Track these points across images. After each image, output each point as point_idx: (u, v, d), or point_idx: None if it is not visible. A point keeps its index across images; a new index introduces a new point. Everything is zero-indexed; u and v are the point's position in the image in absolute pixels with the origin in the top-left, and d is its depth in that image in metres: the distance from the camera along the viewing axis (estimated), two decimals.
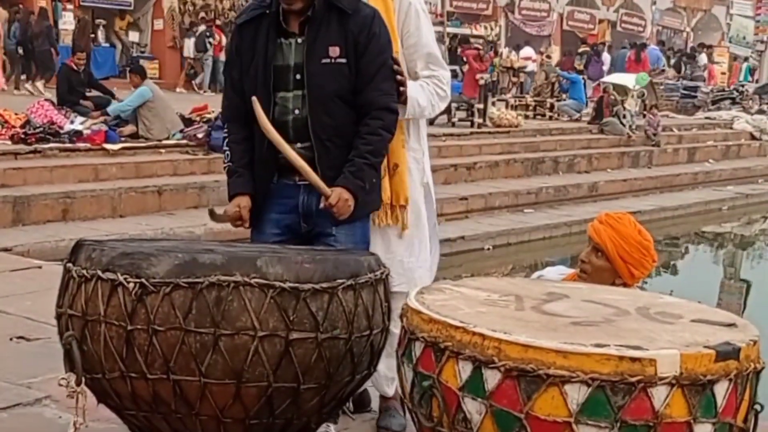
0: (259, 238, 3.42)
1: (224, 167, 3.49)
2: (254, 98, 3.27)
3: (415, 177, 3.69)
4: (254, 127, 3.36)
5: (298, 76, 3.29)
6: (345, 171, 3.26)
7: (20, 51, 18.86)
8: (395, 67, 3.42)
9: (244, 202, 3.37)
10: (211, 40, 22.77)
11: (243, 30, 3.42)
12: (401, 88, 3.46)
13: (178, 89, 21.89)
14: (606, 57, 27.43)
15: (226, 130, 3.52)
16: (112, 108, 12.93)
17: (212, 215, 3.53)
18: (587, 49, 28.05)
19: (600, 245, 3.50)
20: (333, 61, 3.27)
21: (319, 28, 3.28)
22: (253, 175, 3.39)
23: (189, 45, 22.95)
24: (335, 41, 3.27)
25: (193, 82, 22.80)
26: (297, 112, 3.30)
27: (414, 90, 3.55)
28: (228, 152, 3.46)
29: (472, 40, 25.05)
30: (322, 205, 3.26)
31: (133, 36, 24.30)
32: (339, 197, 3.22)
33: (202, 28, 23.01)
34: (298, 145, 3.31)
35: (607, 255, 3.49)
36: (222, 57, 22.76)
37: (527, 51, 27.09)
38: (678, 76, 28.07)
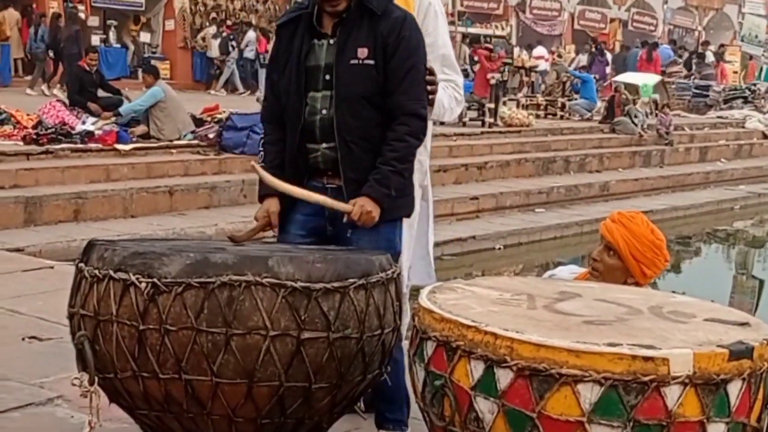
0: (284, 238, 3.43)
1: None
2: (253, 163, 3.37)
3: (415, 178, 3.68)
4: (286, 128, 3.39)
5: (327, 77, 3.30)
6: (371, 178, 3.26)
7: (50, 54, 18.93)
8: (428, 77, 3.41)
9: (273, 206, 3.38)
10: (234, 43, 22.89)
11: (282, 31, 3.46)
12: (431, 96, 3.46)
13: (212, 92, 22.14)
14: (609, 56, 27.38)
15: (263, 131, 3.59)
16: (125, 108, 12.98)
17: (233, 240, 3.43)
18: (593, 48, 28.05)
19: (612, 244, 3.48)
20: (361, 62, 3.27)
21: (351, 30, 3.29)
22: (283, 176, 3.39)
23: (214, 46, 23.07)
24: (364, 42, 3.27)
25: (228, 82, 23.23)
26: (324, 112, 3.31)
27: (439, 92, 3.56)
28: (262, 153, 3.51)
29: (493, 39, 24.97)
30: (345, 219, 3.26)
31: (145, 36, 24.43)
32: (361, 210, 3.22)
33: (226, 31, 23.18)
34: (324, 145, 3.33)
35: (619, 254, 3.47)
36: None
37: (540, 50, 27.07)
38: (689, 74, 27.99)
